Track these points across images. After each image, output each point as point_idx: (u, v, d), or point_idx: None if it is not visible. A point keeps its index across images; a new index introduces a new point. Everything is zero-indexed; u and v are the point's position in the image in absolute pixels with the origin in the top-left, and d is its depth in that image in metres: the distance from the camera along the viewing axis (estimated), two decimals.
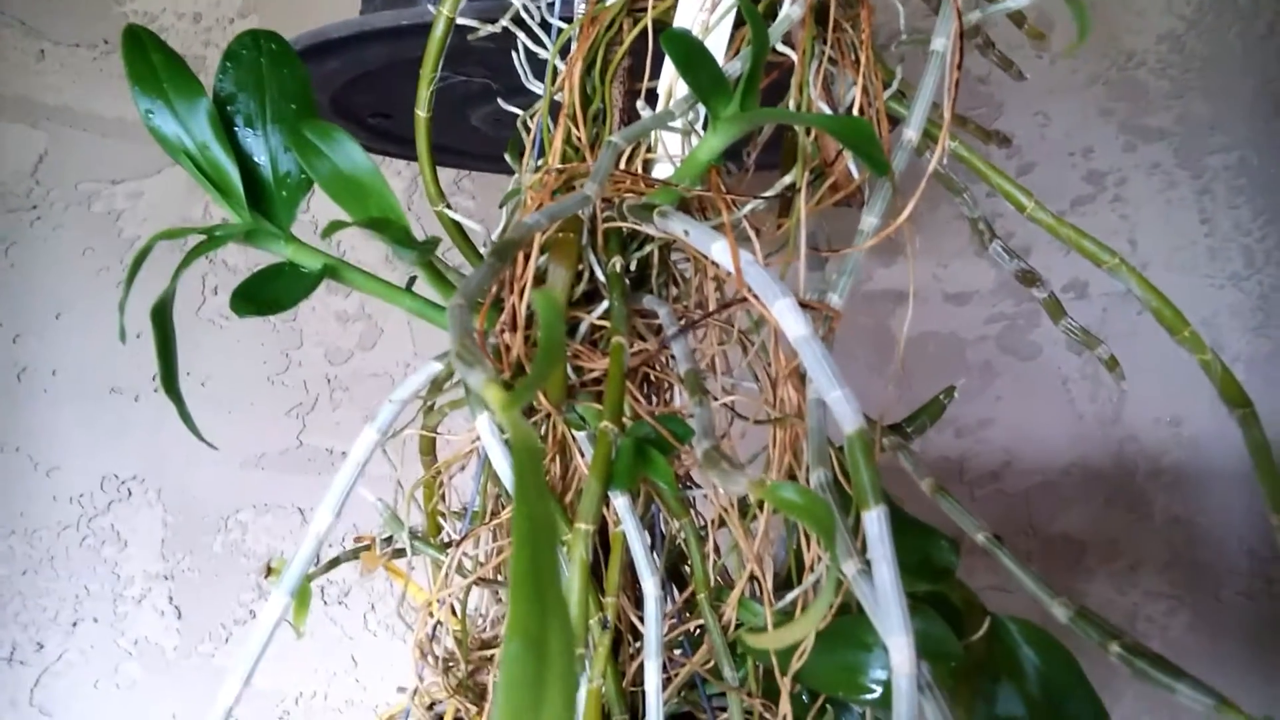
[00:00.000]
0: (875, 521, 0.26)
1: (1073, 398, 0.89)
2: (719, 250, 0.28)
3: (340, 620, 0.86)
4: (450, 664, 0.42)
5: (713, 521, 0.42)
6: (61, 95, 0.83)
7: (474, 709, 0.41)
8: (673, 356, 0.34)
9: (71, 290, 0.84)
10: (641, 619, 0.40)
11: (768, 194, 0.33)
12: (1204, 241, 0.89)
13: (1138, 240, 0.89)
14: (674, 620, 0.42)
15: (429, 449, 0.43)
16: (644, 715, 0.39)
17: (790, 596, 0.38)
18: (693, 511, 0.39)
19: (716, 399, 0.36)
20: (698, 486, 0.45)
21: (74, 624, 0.84)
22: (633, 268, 0.35)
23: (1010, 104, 0.88)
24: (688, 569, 0.45)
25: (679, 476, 0.42)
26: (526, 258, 0.31)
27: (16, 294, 0.83)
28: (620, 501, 0.35)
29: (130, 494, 0.84)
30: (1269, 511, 0.37)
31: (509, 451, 0.34)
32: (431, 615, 0.41)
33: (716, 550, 0.42)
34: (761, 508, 0.38)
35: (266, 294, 0.38)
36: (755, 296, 0.27)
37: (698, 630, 0.44)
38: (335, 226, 0.31)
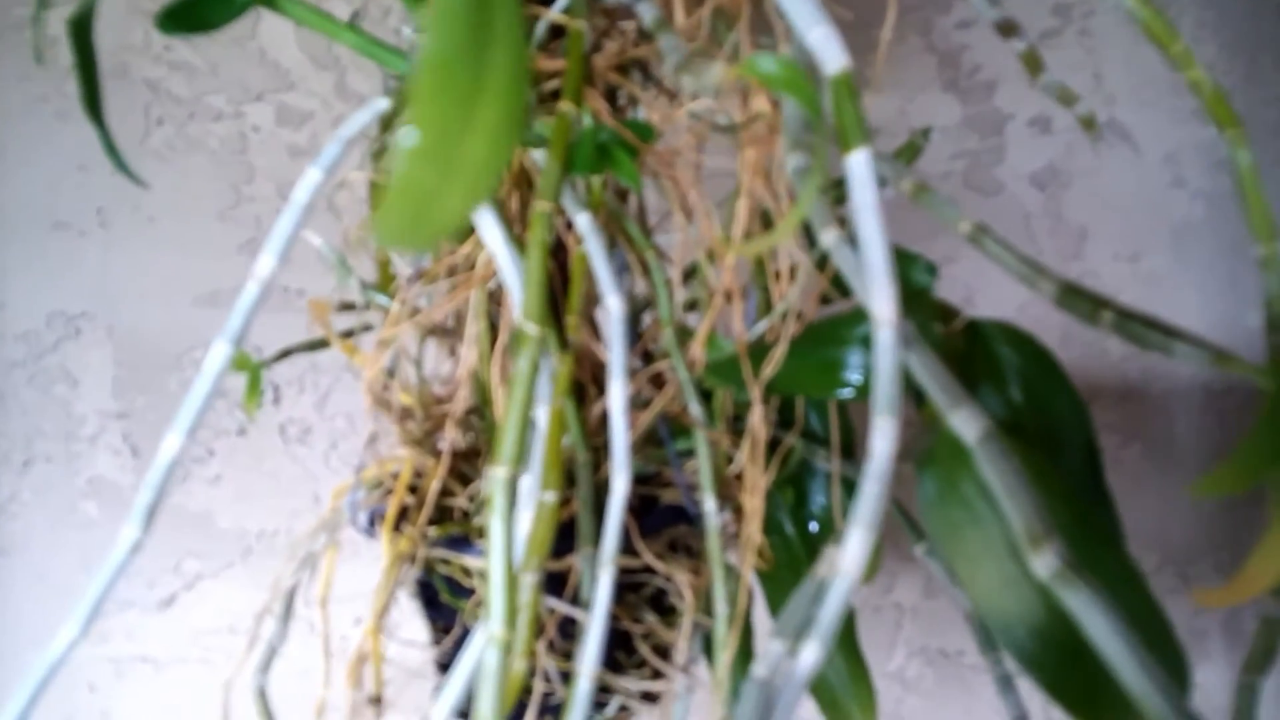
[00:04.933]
0: (860, 164, 0.25)
1: (1034, 233, 0.89)
2: None
3: (302, 459, 0.85)
4: (407, 418, 0.41)
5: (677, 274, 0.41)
6: None
7: (432, 461, 0.40)
8: (635, 64, 0.33)
9: (9, 121, 0.80)
10: (605, 352, 0.39)
11: None
12: (1168, 77, 0.88)
13: (1103, 74, 0.88)
14: (637, 367, 0.42)
15: (380, 200, 0.42)
16: (608, 456, 0.38)
17: (760, 327, 0.38)
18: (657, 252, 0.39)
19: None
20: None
21: (25, 463, 0.83)
22: None
23: None
24: (647, 319, 0.44)
25: (645, 229, 0.41)
26: None
27: None
28: (582, 219, 0.34)
29: (79, 331, 0.82)
30: (1255, 240, 0.37)
31: None
32: (385, 372, 0.40)
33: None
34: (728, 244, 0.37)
35: (195, 14, 0.36)
36: None
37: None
38: None
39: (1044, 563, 0.20)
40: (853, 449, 0.44)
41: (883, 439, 0.25)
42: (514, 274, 0.33)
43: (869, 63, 0.88)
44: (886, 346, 0.25)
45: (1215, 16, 0.87)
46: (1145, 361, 0.90)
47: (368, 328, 0.50)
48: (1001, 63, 0.87)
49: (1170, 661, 0.26)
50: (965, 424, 0.23)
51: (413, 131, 0.11)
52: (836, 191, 0.40)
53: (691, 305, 0.45)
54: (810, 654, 0.25)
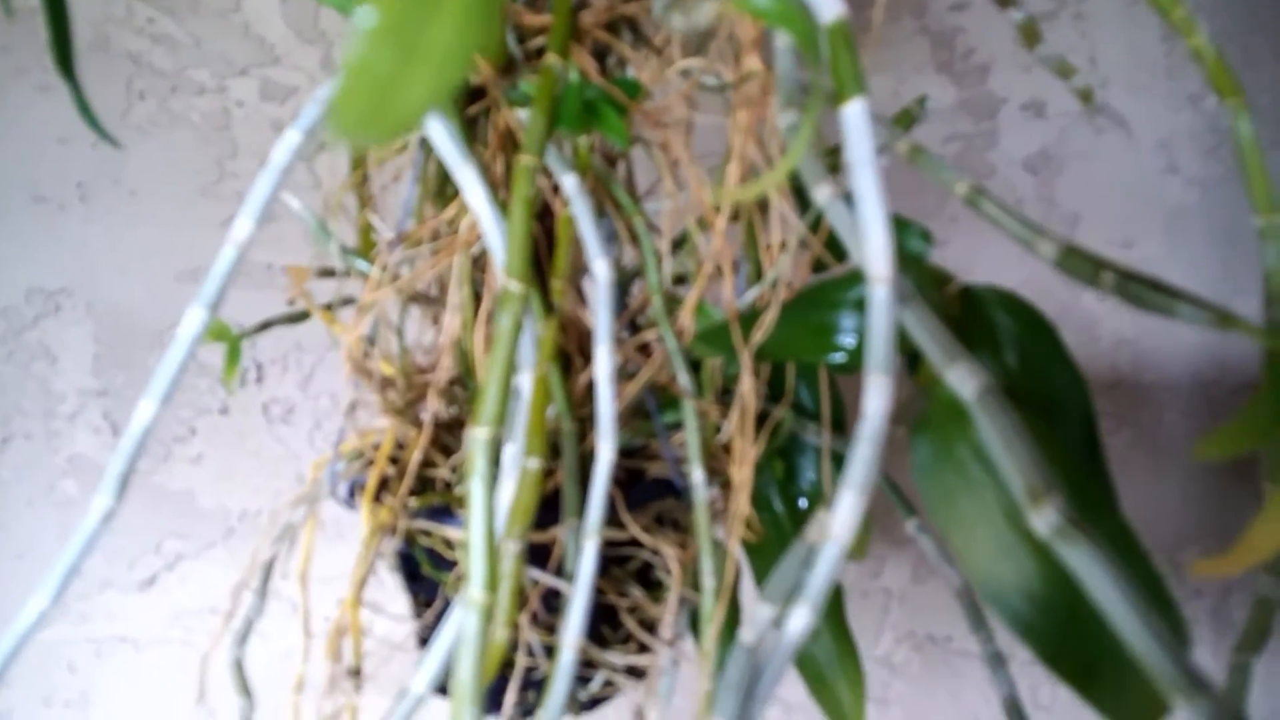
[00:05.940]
0: (857, 114, 0.24)
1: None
2: None
3: (285, 438, 0.84)
4: (388, 387, 0.40)
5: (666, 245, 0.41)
6: None
7: (414, 431, 0.39)
8: (624, 21, 0.32)
9: None
10: (592, 319, 0.38)
11: None
12: (1163, 62, 0.87)
13: (1098, 59, 0.87)
14: (623, 337, 0.41)
15: (360, 162, 0.41)
16: (594, 426, 0.38)
17: (750, 295, 0.37)
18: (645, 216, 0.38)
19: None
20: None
21: (4, 441, 0.81)
22: None
23: None
24: (634, 291, 0.43)
25: (634, 196, 0.40)
26: None
27: None
28: (569, 180, 0.33)
29: (58, 308, 0.81)
30: (1252, 211, 0.36)
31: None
32: (365, 340, 0.39)
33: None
34: (717, 211, 0.37)
35: None
36: None
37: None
38: None
39: (1044, 519, 0.19)
40: (843, 423, 0.43)
41: (877, 397, 0.24)
42: (498, 236, 0.32)
43: (862, 43, 0.87)
44: (881, 303, 0.24)
45: (1210, 1, 0.87)
46: (1135, 349, 0.89)
47: (348, 300, 0.49)
48: (996, 46, 0.87)
49: (1169, 623, 0.26)
50: (963, 380, 0.22)
51: (371, 11, 0.10)
52: (831, 159, 0.39)
53: (679, 279, 0.44)
54: (799, 619, 0.24)
